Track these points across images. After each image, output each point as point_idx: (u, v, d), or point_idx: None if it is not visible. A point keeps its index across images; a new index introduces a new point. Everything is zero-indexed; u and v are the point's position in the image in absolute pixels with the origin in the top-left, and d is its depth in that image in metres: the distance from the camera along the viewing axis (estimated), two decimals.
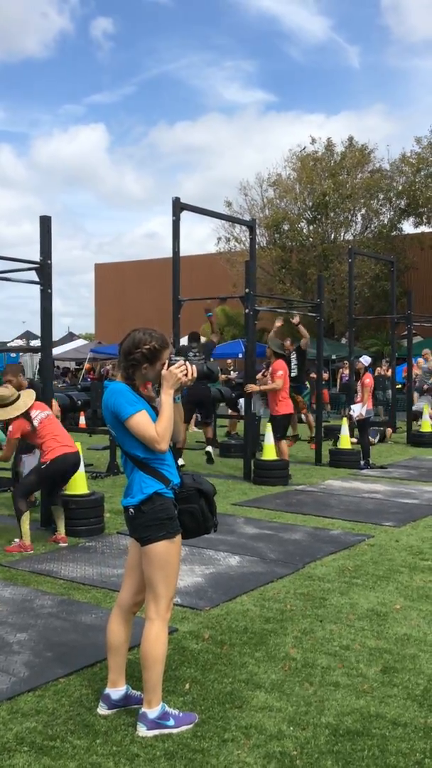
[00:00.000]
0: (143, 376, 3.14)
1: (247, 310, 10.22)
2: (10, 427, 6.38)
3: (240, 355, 24.80)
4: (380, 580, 5.33)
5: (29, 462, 7.27)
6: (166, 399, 3.08)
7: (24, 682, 3.57)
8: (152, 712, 3.10)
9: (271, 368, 10.31)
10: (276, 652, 3.98)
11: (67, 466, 6.33)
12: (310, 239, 30.18)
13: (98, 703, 3.33)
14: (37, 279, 7.26)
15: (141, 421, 3.04)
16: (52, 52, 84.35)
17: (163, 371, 3.10)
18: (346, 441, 11.54)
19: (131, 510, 3.12)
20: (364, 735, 3.11)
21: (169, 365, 3.10)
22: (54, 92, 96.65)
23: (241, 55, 76.37)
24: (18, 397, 6.42)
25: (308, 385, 13.98)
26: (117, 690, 3.30)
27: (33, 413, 6.37)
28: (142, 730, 3.08)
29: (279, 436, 10.03)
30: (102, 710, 3.28)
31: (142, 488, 3.11)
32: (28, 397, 6.47)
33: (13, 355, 39.36)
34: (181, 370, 3.09)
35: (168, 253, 10.78)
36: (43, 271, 7.25)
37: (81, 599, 4.85)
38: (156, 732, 3.07)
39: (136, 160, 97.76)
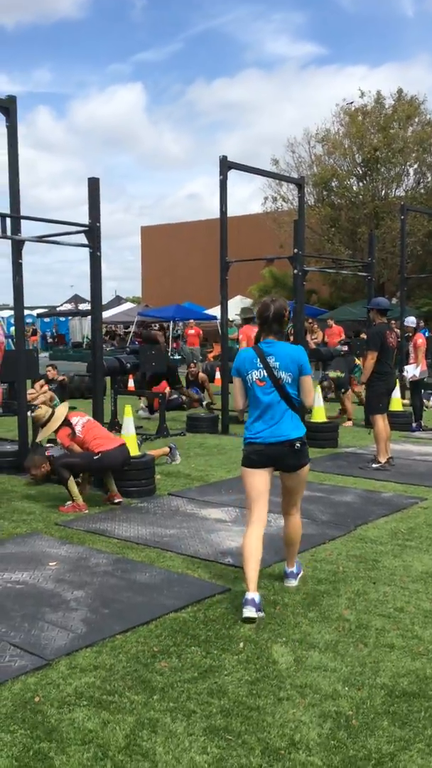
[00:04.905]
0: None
1: (295, 271, 10.06)
2: (59, 440, 6.57)
3: None
4: None
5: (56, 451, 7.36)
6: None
7: (82, 638, 3.66)
8: (297, 567, 4.45)
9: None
10: (329, 612, 3.98)
11: (119, 461, 6.45)
12: (360, 196, 29.42)
13: (155, 659, 3.39)
14: (86, 242, 7.27)
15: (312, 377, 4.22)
16: (87, 12, 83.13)
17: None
18: (397, 403, 11.35)
19: (300, 442, 4.04)
20: (420, 696, 3.10)
21: None
22: (100, 52, 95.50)
23: (290, 6, 73.98)
24: (53, 413, 6.63)
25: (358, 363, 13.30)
26: (258, 594, 3.90)
27: (73, 420, 6.55)
28: (293, 582, 4.36)
29: None
30: (252, 613, 3.79)
31: (301, 426, 4.10)
32: (62, 407, 6.73)
33: (63, 318, 39.76)
34: None
35: (212, 213, 10.80)
36: (93, 234, 7.24)
37: (135, 558, 4.93)
38: (298, 579, 4.41)
39: (174, 119, 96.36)
